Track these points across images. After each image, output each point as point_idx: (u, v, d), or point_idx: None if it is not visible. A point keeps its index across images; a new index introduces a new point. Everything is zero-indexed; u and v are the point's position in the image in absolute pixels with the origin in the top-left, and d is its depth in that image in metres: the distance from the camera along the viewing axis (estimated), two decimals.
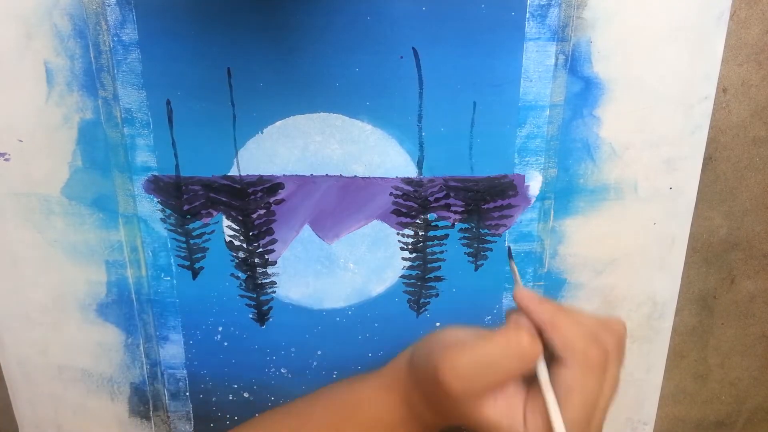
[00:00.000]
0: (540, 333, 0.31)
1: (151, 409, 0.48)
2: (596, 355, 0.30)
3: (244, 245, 0.43)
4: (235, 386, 0.47)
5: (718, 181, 0.44)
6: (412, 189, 0.42)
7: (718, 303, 0.48)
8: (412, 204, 0.42)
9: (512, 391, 0.31)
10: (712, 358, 0.50)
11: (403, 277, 0.44)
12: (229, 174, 0.41)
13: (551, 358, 0.31)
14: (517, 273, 0.38)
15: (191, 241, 0.43)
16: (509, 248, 0.42)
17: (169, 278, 0.44)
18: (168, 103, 0.39)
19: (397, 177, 0.41)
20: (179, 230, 0.43)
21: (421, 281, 0.44)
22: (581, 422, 0.30)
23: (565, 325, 0.31)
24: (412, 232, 0.43)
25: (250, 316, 0.45)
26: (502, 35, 0.38)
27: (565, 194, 0.42)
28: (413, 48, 0.38)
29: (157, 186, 0.41)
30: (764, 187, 0.44)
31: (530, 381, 0.32)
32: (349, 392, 0.39)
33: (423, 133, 0.40)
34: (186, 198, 0.42)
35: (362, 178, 0.41)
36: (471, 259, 0.44)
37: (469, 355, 0.31)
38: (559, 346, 0.31)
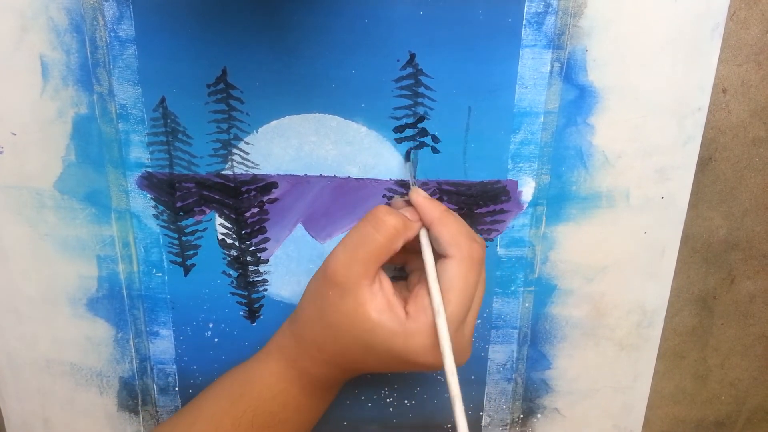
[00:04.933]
0: (429, 229, 0.35)
1: (139, 403, 0.48)
2: (477, 251, 0.34)
3: (237, 243, 0.43)
4: None
5: (718, 182, 0.44)
6: (405, 192, 0.42)
7: (718, 303, 0.48)
8: None
9: (389, 288, 0.34)
10: (712, 359, 0.51)
11: (394, 279, 0.44)
12: (222, 172, 0.41)
13: (437, 257, 0.35)
14: (414, 174, 0.40)
15: (183, 238, 0.43)
16: (409, 151, 0.41)
17: (160, 274, 0.44)
18: (163, 99, 0.39)
19: (390, 179, 0.41)
20: (172, 227, 0.43)
21: None
22: (459, 316, 0.33)
23: (452, 222, 0.35)
24: None
25: (241, 313, 0.45)
26: (498, 41, 0.38)
27: (557, 201, 0.42)
28: (410, 52, 0.38)
29: (151, 182, 0.41)
30: (764, 187, 0.45)
31: (411, 282, 0.37)
32: (237, 373, 0.40)
33: (418, 137, 0.40)
34: (179, 195, 0.42)
35: (356, 179, 0.41)
36: None
37: (343, 241, 0.35)
38: (446, 240, 0.34)
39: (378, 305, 0.33)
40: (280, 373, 0.38)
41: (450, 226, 0.34)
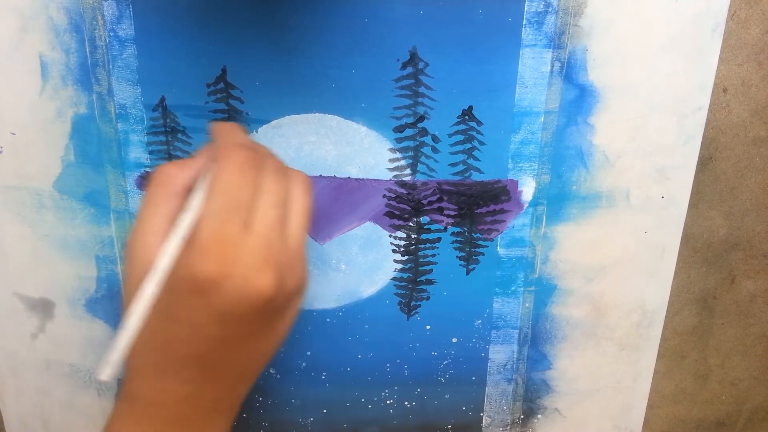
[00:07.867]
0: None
1: None
2: (248, 157, 0.28)
3: None
4: None
5: (718, 181, 0.44)
6: (405, 192, 0.42)
7: (718, 303, 0.48)
8: (405, 207, 0.42)
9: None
10: (712, 358, 0.51)
11: (394, 279, 0.44)
12: None
13: None
14: None
15: None
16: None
17: None
18: (163, 99, 0.39)
19: (390, 179, 0.41)
20: None
21: (412, 284, 0.44)
22: (218, 217, 0.27)
23: (234, 135, 0.30)
24: (404, 235, 0.43)
25: None
26: (498, 41, 0.38)
27: (557, 201, 0.42)
28: (410, 51, 0.38)
29: None
30: (764, 187, 0.45)
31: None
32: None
33: (418, 136, 0.40)
34: None
35: (356, 179, 0.41)
36: (462, 263, 0.44)
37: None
38: (218, 149, 0.29)
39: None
40: (115, 412, 0.32)
41: (226, 137, 0.30)
